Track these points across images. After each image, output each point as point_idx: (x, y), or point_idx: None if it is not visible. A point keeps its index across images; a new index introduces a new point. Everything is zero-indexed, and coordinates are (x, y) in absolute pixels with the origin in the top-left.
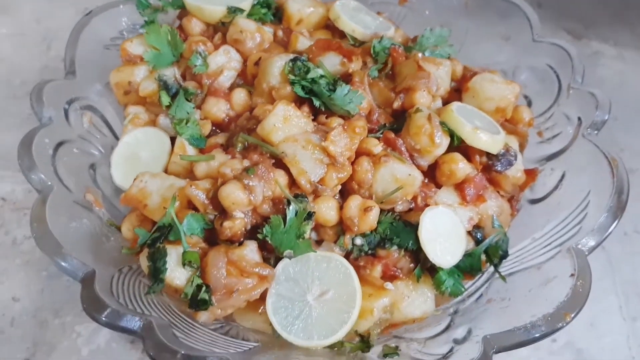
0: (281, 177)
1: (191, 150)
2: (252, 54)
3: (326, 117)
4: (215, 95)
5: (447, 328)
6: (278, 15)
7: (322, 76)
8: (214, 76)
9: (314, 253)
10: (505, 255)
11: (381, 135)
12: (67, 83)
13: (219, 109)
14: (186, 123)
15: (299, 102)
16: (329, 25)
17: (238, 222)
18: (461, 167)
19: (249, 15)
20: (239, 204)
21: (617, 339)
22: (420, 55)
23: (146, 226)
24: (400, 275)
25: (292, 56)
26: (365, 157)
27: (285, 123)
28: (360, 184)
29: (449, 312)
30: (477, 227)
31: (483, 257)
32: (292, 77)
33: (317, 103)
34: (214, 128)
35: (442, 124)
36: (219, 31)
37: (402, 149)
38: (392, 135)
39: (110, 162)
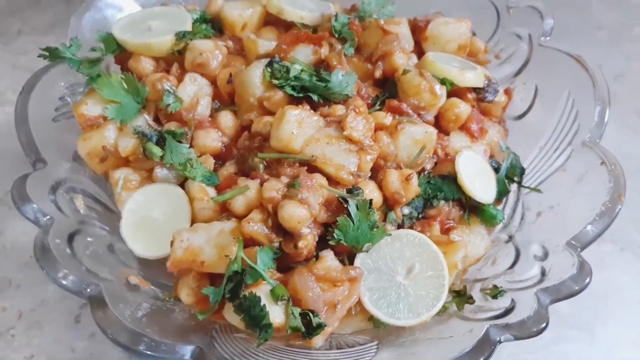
0: (322, 179)
1: (210, 190)
2: (219, 73)
3: (325, 107)
4: (202, 127)
5: (518, 253)
6: (217, 27)
7: (302, 70)
8: (192, 109)
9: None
10: (522, 170)
11: (380, 107)
12: (40, 174)
13: (212, 139)
14: (191, 165)
15: (294, 102)
16: (270, 21)
17: (310, 238)
18: (463, 108)
19: (194, 35)
20: (303, 220)
21: None
22: (381, 20)
23: (205, 283)
24: (454, 225)
25: (265, 61)
26: (380, 131)
27: (301, 127)
28: (385, 158)
29: (505, 240)
30: (489, 156)
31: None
32: (276, 81)
33: (315, 97)
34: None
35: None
36: (170, 63)
37: (408, 111)
38: (395, 102)
39: (123, 237)
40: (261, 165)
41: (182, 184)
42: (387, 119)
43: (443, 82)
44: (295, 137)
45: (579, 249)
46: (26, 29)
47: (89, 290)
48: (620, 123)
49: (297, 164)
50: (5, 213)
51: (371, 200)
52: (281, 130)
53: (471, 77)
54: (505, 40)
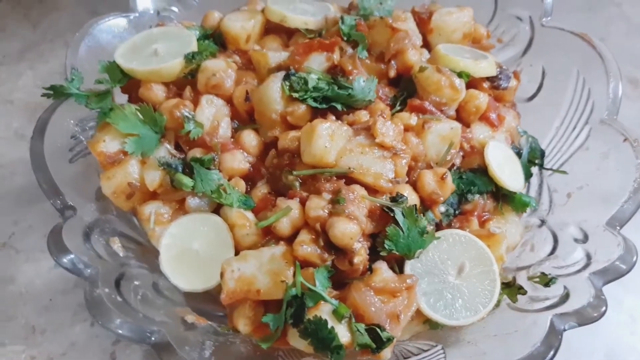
0: (362, 190)
1: (249, 215)
2: (235, 91)
3: (349, 114)
4: (227, 150)
5: (556, 238)
6: (219, 42)
7: (319, 79)
8: (214, 132)
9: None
10: (542, 152)
11: (400, 107)
12: (73, 223)
13: (239, 161)
14: (225, 192)
15: (318, 114)
16: (270, 29)
17: (363, 252)
18: (482, 99)
19: (202, 55)
20: (355, 235)
21: None
22: (389, 18)
23: (260, 310)
24: (490, 217)
25: (281, 75)
26: (407, 132)
27: (333, 140)
28: (416, 159)
29: (537, 224)
30: (510, 143)
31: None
32: (296, 94)
33: (339, 106)
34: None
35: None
36: (181, 85)
37: (431, 108)
38: (417, 101)
39: (165, 274)
40: (297, 184)
41: (215, 210)
42: (413, 119)
43: (460, 75)
44: (329, 151)
45: (618, 228)
46: None
47: (153, 338)
48: None
49: (335, 178)
50: (13, 257)
51: (416, 205)
52: (314, 145)
53: (485, 66)
54: (505, 23)
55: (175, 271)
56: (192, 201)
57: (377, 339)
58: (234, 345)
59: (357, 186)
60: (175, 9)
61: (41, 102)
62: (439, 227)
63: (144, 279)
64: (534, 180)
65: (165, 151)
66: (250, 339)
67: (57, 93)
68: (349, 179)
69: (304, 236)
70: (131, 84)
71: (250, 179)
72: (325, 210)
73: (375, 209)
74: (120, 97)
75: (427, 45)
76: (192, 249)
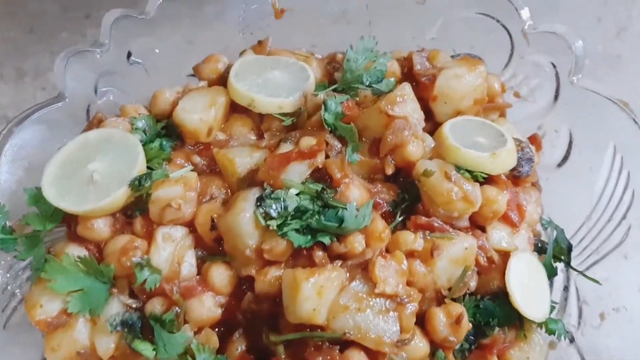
0: (360, 357)
1: None
2: (197, 216)
3: (340, 243)
4: (193, 295)
5: None
6: (173, 132)
7: (300, 193)
8: (174, 277)
9: None
10: (569, 246)
11: (401, 218)
12: None
13: (209, 308)
14: (194, 359)
15: (303, 248)
16: (238, 106)
17: None
18: (502, 200)
19: (149, 163)
20: None
21: None
22: (383, 103)
23: None
24: (510, 344)
25: (252, 197)
26: (411, 259)
27: (322, 297)
28: (423, 290)
29: (567, 344)
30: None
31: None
32: (273, 223)
33: (327, 241)
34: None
35: (458, 168)
36: (132, 216)
37: (439, 224)
38: (422, 218)
39: None
40: (281, 349)
41: None
42: (418, 242)
43: (474, 176)
44: (318, 312)
45: None
46: None
47: None
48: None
49: (327, 343)
50: None
51: None
52: (298, 307)
53: (505, 159)
54: (523, 70)
55: None
56: None
57: None
58: None
59: (356, 353)
60: (117, 78)
61: None
62: None
63: None
64: (559, 278)
65: (117, 305)
66: None
67: None
68: (345, 341)
69: None
70: (69, 217)
71: (224, 324)
72: None
73: None
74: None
75: (428, 112)
76: None
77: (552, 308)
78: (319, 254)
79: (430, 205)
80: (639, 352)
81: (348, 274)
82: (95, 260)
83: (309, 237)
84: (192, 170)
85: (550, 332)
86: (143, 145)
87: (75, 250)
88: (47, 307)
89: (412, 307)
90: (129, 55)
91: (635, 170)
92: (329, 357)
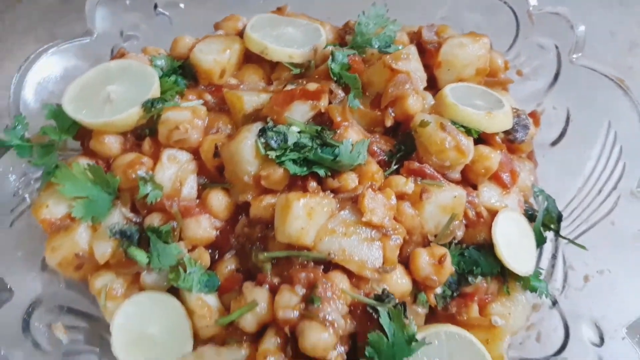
0: (342, 281)
1: (210, 299)
2: (202, 144)
3: (334, 179)
4: (191, 215)
5: (567, 330)
6: (189, 73)
7: (300, 132)
8: (175, 195)
9: None
10: (559, 215)
11: (397, 166)
12: (9, 308)
13: (204, 228)
14: (184, 270)
15: (299, 178)
16: (251, 56)
17: None
18: (494, 158)
19: (162, 94)
20: (330, 346)
21: None
22: (388, 57)
23: None
24: (492, 298)
25: (255, 128)
26: (401, 202)
27: (311, 218)
28: (410, 232)
29: (549, 305)
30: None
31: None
32: (272, 153)
33: (322, 172)
34: (209, 251)
35: (454, 123)
36: (141, 135)
37: (431, 172)
38: (415, 164)
39: (117, 359)
40: (268, 266)
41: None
42: (409, 186)
43: (469, 131)
44: (306, 232)
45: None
46: None
47: None
48: None
49: (312, 263)
50: None
51: (405, 304)
52: (288, 225)
53: (500, 119)
54: (526, 51)
55: (128, 356)
56: (147, 277)
57: None
58: None
59: (339, 274)
60: (143, 25)
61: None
62: (433, 311)
63: None
64: (548, 246)
65: (119, 216)
66: None
67: None
68: (329, 264)
69: (270, 342)
70: (83, 132)
71: (217, 247)
72: (297, 312)
73: (358, 303)
74: (75, 142)
75: (433, 80)
76: (148, 333)
77: (539, 273)
78: (312, 184)
79: (424, 154)
80: (619, 311)
81: (339, 205)
82: (102, 170)
83: (305, 168)
84: (202, 105)
85: (532, 289)
86: (159, 78)
87: (86, 162)
88: (52, 209)
89: (396, 240)
90: (155, 6)
91: (627, 143)
92: (312, 275)
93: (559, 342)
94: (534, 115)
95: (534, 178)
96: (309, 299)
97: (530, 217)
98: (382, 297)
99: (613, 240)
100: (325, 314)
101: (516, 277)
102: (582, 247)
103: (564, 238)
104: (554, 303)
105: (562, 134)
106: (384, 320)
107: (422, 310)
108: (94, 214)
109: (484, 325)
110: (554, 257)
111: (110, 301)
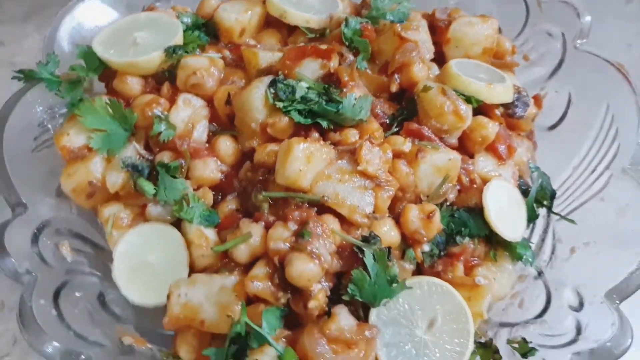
0: (333, 223)
1: (209, 232)
2: (216, 92)
3: (336, 132)
4: (199, 156)
5: (549, 296)
6: (212, 32)
7: (309, 88)
8: (186, 136)
9: None
10: (553, 193)
11: (397, 129)
12: (22, 221)
13: (211, 170)
14: (187, 204)
15: (302, 128)
16: (271, 22)
17: (321, 296)
18: (491, 128)
19: (185, 46)
20: (315, 277)
21: None
22: (398, 26)
23: (206, 340)
24: (479, 262)
25: (267, 80)
26: (398, 160)
27: (309, 162)
28: (404, 190)
29: (534, 276)
30: (518, 177)
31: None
32: (280, 103)
33: (324, 124)
34: (214, 193)
35: (456, 92)
36: (161, 80)
37: (429, 134)
38: (414, 125)
39: (116, 283)
40: (266, 205)
41: (178, 221)
42: (406, 145)
43: (469, 99)
44: (304, 174)
45: (618, 303)
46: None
47: None
48: None
49: (306, 205)
50: None
51: (389, 249)
52: (287, 167)
53: (501, 92)
54: (534, 38)
55: (127, 282)
56: (153, 209)
57: None
58: None
59: (330, 217)
60: None
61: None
62: (420, 267)
63: (90, 289)
64: (540, 222)
65: (132, 151)
66: None
67: (28, 77)
68: (323, 208)
69: (259, 269)
70: (108, 73)
71: (221, 189)
72: (287, 244)
73: (346, 245)
74: (101, 86)
75: (441, 56)
76: (147, 261)
77: (527, 245)
78: (315, 135)
79: (424, 118)
80: (599, 279)
81: (337, 155)
82: (121, 105)
83: (309, 119)
84: (220, 59)
85: (519, 257)
86: (183, 32)
87: (107, 98)
88: (73, 138)
89: (389, 191)
90: None
91: (623, 125)
92: (305, 214)
93: (540, 307)
94: (536, 98)
95: (532, 157)
96: (299, 233)
97: (524, 192)
98: (368, 239)
99: (601, 214)
100: (314, 247)
101: (504, 246)
102: (572, 221)
103: (556, 214)
104: (540, 273)
105: (562, 118)
106: (368, 260)
107: (409, 266)
108: (110, 147)
109: (468, 284)
110: (544, 232)
111: (115, 230)
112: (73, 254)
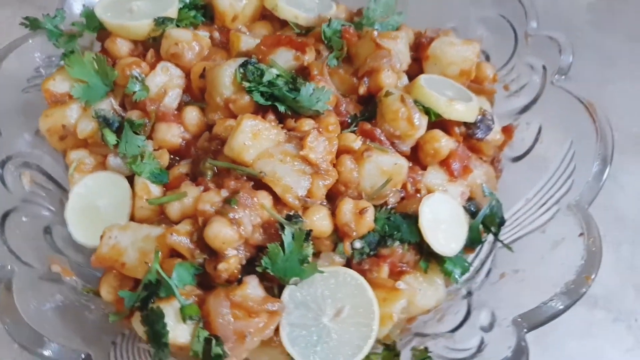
0: (265, 199)
1: (154, 188)
2: (194, 66)
3: (294, 121)
4: (165, 120)
5: (468, 315)
6: (208, 14)
7: (278, 76)
8: (157, 100)
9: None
10: (502, 221)
11: (356, 128)
12: None
13: (172, 134)
14: (142, 159)
15: (261, 110)
16: (266, 15)
17: (233, 261)
18: (444, 143)
19: (178, 22)
20: (229, 242)
21: None
22: (375, 32)
23: (128, 284)
24: (408, 269)
25: (240, 60)
26: (346, 155)
27: (255, 139)
28: (346, 184)
29: (462, 295)
30: (469, 199)
31: (481, 227)
32: (246, 84)
33: (282, 108)
34: (172, 157)
35: (416, 102)
36: (149, 48)
37: (381, 137)
38: (368, 125)
39: (65, 220)
40: (210, 173)
41: (133, 175)
42: (356, 143)
43: (427, 111)
44: (248, 149)
45: (524, 330)
46: None
47: (1, 276)
48: None
49: (245, 178)
50: None
51: (310, 231)
52: (234, 139)
53: (460, 109)
54: (519, 69)
55: (76, 221)
56: (112, 160)
57: (208, 352)
58: (84, 310)
59: (264, 193)
60: None
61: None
62: (349, 262)
63: (39, 220)
64: (486, 247)
65: (108, 105)
66: (103, 310)
67: (33, 25)
68: (260, 184)
69: (183, 226)
70: (104, 34)
71: (180, 154)
72: (214, 207)
73: (273, 222)
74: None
75: (420, 71)
76: (96, 205)
77: (463, 264)
78: (271, 117)
79: (379, 121)
80: (515, 305)
81: (287, 139)
82: (106, 61)
83: (269, 102)
84: (208, 38)
85: (446, 272)
86: (180, 9)
87: (95, 54)
88: (58, 83)
89: (326, 181)
90: None
91: (581, 162)
92: (239, 185)
93: (455, 323)
94: (509, 128)
95: (490, 182)
96: (227, 200)
97: (473, 214)
98: (291, 217)
99: (538, 245)
100: (236, 215)
101: (437, 259)
102: (509, 248)
103: (500, 241)
104: (469, 294)
105: (528, 151)
106: (287, 237)
107: (339, 259)
108: (89, 98)
109: (388, 285)
110: (487, 256)
111: (77, 173)
112: (32, 185)
